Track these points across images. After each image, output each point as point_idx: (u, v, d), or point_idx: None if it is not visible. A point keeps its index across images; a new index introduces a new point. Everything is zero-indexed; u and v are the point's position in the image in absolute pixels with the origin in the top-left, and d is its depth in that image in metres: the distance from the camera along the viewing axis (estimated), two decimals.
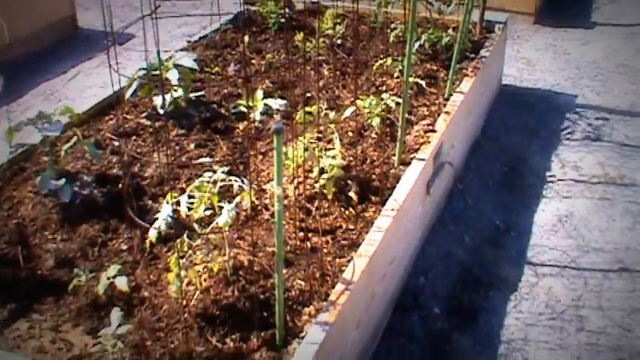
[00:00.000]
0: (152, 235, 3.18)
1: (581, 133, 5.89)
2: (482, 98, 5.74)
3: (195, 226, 3.20)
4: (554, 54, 7.28)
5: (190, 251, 3.19)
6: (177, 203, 3.17)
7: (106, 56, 4.73)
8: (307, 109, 4.15)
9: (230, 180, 3.19)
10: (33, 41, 7.26)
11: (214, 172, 3.24)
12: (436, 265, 4.46)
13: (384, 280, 3.82)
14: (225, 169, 3.34)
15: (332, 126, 4.22)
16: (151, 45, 4.02)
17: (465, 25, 5.06)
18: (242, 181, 3.20)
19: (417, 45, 5.46)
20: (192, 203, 3.18)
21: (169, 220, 3.13)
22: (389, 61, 5.26)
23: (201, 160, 4.24)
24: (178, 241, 3.17)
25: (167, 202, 3.21)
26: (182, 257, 3.16)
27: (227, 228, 3.15)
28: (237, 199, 3.22)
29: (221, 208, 3.14)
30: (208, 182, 3.14)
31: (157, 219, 3.18)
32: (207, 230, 3.17)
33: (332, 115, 4.33)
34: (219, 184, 3.17)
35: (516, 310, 4.15)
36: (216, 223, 3.11)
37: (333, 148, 4.09)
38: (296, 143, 4.00)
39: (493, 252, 4.62)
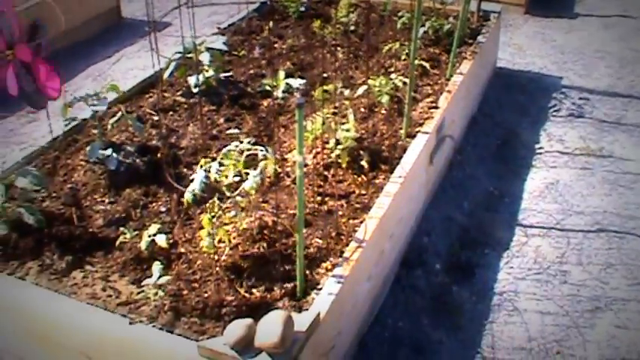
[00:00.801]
0: (188, 197, 3.14)
1: (566, 111, 5.79)
2: (479, 79, 5.65)
3: (225, 189, 3.13)
4: (542, 41, 7.16)
5: (220, 212, 3.14)
6: (209, 170, 3.12)
7: (146, 41, 4.75)
8: (324, 87, 4.09)
9: (255, 149, 3.13)
10: (83, 30, 7.20)
11: (241, 142, 3.18)
12: (438, 226, 4.40)
13: (392, 238, 3.77)
14: (252, 139, 3.28)
15: (346, 102, 4.15)
16: (185, 31, 4.02)
17: (464, 14, 4.97)
18: (266, 150, 3.14)
19: (421, 31, 5.36)
20: (222, 170, 3.13)
21: (203, 184, 3.09)
22: (396, 45, 5.18)
23: (229, 131, 4.18)
24: (210, 202, 3.13)
25: (200, 168, 3.16)
26: (213, 217, 3.11)
27: (253, 192, 3.10)
28: (262, 165, 3.16)
29: (247, 174, 3.09)
30: (235, 151, 3.09)
31: (192, 183, 3.14)
32: (235, 194, 3.11)
33: (346, 92, 4.26)
34: (246, 153, 3.11)
35: (508, 267, 4.10)
36: (243, 188, 3.06)
37: (348, 122, 4.02)
38: (314, 118, 3.95)
39: (488, 215, 4.56)
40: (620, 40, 7.24)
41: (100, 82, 6.29)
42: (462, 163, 5.00)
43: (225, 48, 4.75)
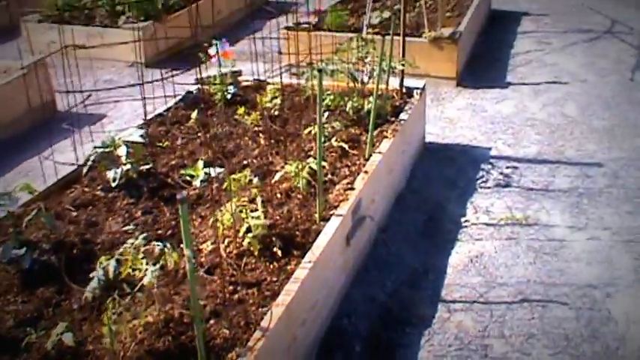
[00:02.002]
0: (87, 295, 3.21)
1: (494, 181, 5.97)
2: (404, 156, 5.81)
3: (125, 285, 3.22)
4: (472, 112, 7.38)
5: (121, 308, 3.21)
6: (108, 267, 3.21)
7: (79, 136, 4.88)
8: (233, 176, 4.22)
9: (152, 245, 3.23)
10: (17, 124, 7.31)
11: (136, 239, 3.28)
12: (359, 307, 4.49)
13: (304, 324, 3.85)
14: (150, 235, 3.38)
15: (255, 190, 4.27)
16: (120, 124, 4.13)
17: (376, 92, 5.13)
18: (164, 245, 3.24)
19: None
20: (121, 267, 3.22)
21: (100, 281, 3.17)
22: (316, 128, 5.33)
23: (125, 227, 4.28)
24: (109, 300, 3.20)
25: (100, 266, 3.25)
26: (114, 314, 3.18)
27: (154, 285, 3.18)
28: (170, 259, 3.25)
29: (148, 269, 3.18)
30: (130, 248, 3.18)
31: (91, 282, 3.22)
32: (136, 290, 3.19)
33: (255, 180, 4.39)
34: (143, 248, 3.21)
35: (429, 344, 4.19)
36: (142, 283, 3.15)
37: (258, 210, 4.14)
38: (226, 206, 4.07)
39: (411, 293, 4.66)
40: (550, 105, 7.50)
41: (33, 178, 6.36)
42: (386, 242, 5.11)
43: (141, 140, 4.88)
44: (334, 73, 5.93)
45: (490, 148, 6.55)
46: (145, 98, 5.00)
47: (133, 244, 3.20)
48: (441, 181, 6.01)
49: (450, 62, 7.93)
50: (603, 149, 6.53)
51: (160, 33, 9.49)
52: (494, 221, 5.41)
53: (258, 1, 12.22)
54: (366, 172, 4.84)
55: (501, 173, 6.10)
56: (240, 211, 4.07)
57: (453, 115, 7.33)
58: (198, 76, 6.65)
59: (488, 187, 5.88)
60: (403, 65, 6.00)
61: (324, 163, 4.81)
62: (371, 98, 5.71)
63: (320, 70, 3.91)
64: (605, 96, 7.80)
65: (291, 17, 8.30)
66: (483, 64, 8.81)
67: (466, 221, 5.43)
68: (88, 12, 10.08)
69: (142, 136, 4.94)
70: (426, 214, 5.54)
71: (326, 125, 5.32)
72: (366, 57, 5.87)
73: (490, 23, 10.73)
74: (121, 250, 3.26)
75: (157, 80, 5.88)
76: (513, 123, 7.11)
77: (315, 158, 4.74)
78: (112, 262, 3.19)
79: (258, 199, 4.18)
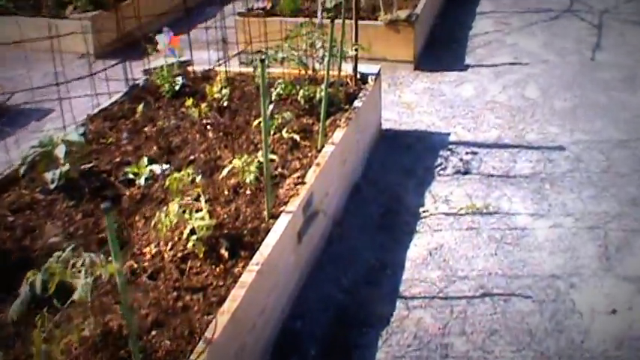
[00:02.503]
0: (11, 314, 3.00)
1: (452, 169, 5.81)
2: (359, 145, 5.63)
3: (55, 301, 3.01)
4: (431, 96, 7.22)
5: (51, 325, 3.00)
6: (35, 283, 3.00)
7: (27, 132, 4.64)
8: (176, 175, 4.01)
9: (79, 256, 3.01)
10: None
11: (63, 250, 3.07)
12: (314, 307, 4.31)
13: (254, 330, 3.66)
14: (76, 244, 3.17)
15: (198, 189, 4.06)
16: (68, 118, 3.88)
17: (327, 80, 4.92)
18: (93, 256, 3.02)
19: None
20: (49, 282, 3.00)
21: (26, 298, 2.96)
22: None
23: (51, 240, 4.04)
24: (38, 317, 2.99)
25: (26, 282, 3.03)
26: (44, 332, 2.97)
27: (87, 299, 2.98)
28: (102, 272, 3.05)
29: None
30: (56, 262, 2.97)
31: (16, 299, 3.01)
32: (66, 305, 2.98)
33: (198, 179, 4.17)
34: (72, 261, 3.00)
35: (387, 345, 4.01)
36: (73, 298, 2.94)
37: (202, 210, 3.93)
38: (168, 207, 3.86)
39: (369, 290, 4.49)
40: (511, 87, 7.36)
41: None
42: (341, 236, 4.94)
43: (80, 139, 4.64)
44: (285, 60, 5.73)
45: (449, 134, 6.39)
46: (97, 94, 4.77)
47: (59, 257, 2.97)
48: (399, 170, 5.83)
49: (406, 45, 7.74)
50: (565, 132, 6.40)
51: (111, 22, 9.20)
52: (453, 211, 5.25)
53: None
54: (318, 164, 4.65)
55: (461, 160, 5.94)
56: (184, 212, 3.86)
57: (410, 100, 7.16)
58: (146, 68, 6.43)
59: (447, 175, 5.72)
60: (356, 50, 5.79)
61: (273, 156, 4.62)
62: (323, 86, 5.52)
63: (263, 60, 3.68)
64: (567, 76, 7.68)
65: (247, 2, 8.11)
66: (442, 47, 8.65)
67: (425, 211, 5.26)
68: (34, 2, 9.75)
69: (82, 134, 4.71)
70: (383, 205, 5.37)
71: (276, 116, 5.12)
72: (317, 43, 5.65)
73: (448, 4, 10.56)
74: (47, 264, 3.03)
75: (97, 72, 5.67)
76: (473, 107, 6.95)
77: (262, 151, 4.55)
78: (39, 277, 2.96)
79: (202, 198, 3.96)
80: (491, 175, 5.69)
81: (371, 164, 5.87)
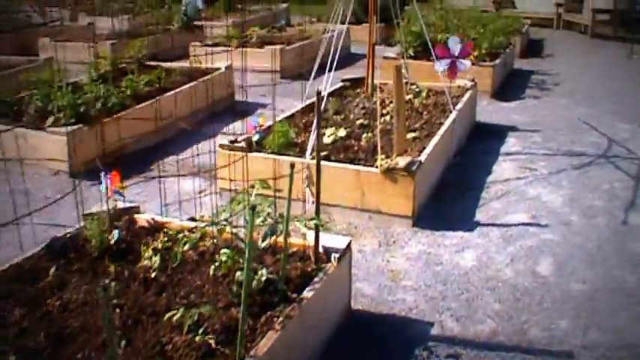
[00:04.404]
0: None
1: None
2: (304, 348, 4.44)
3: None
4: (425, 265, 6.02)
5: None
6: None
7: None
8: None
9: None
10: None
11: None
12: None
13: None
14: None
15: None
16: None
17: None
18: None
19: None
20: None
21: None
22: (180, 312, 3.99)
23: None
24: None
25: None
26: None
27: None
28: None
29: None
30: None
31: None
32: None
33: None
34: None
35: None
36: None
37: None
38: None
39: None
40: (521, 259, 6.14)
41: None
42: None
43: None
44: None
45: (433, 324, 5.16)
46: None
47: None
48: None
49: (405, 198, 6.59)
50: (577, 329, 5.13)
51: (91, 139, 8.30)
52: None
53: (222, 102, 11.10)
54: None
55: None
56: None
57: (399, 268, 5.97)
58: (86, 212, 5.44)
59: None
60: (317, 226, 4.66)
61: None
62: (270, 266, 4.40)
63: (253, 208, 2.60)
64: (590, 246, 6.44)
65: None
66: (451, 196, 7.49)
67: None
68: (17, 108, 8.95)
69: None
70: None
71: (193, 310, 3.98)
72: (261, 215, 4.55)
73: (471, 139, 9.49)
74: None
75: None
76: (470, 284, 5.73)
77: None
78: None
79: None
80: None
81: None
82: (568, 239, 6.55)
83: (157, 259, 4.64)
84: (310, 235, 4.80)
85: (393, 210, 6.63)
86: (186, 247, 4.67)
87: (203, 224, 4.94)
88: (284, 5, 21.73)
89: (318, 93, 4.59)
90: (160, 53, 14.04)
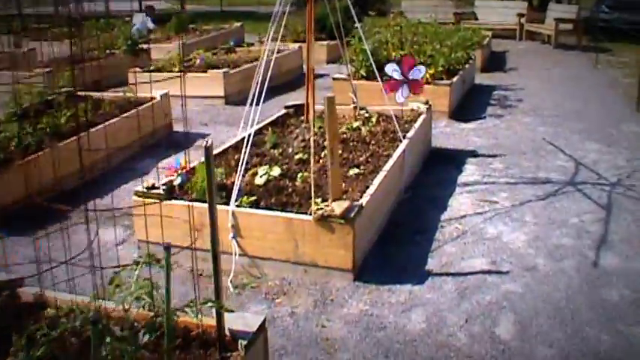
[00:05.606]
0: None
1: None
2: None
3: None
4: (364, 330, 5.10)
5: None
6: None
7: None
8: None
9: None
10: None
11: None
12: None
13: None
14: None
15: None
16: None
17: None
18: None
19: None
20: None
21: None
22: None
23: None
24: None
25: None
26: None
27: None
28: None
29: None
30: None
31: None
32: None
33: None
34: None
35: None
36: None
37: None
38: None
39: None
40: (477, 319, 5.25)
41: None
42: None
43: None
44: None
45: None
46: None
47: None
48: None
49: (343, 249, 5.67)
50: None
51: (13, 183, 7.35)
52: None
53: (158, 134, 10.16)
54: None
55: None
56: None
57: (335, 336, 5.05)
58: None
59: None
60: (219, 310, 3.72)
61: None
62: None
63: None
64: (557, 298, 5.57)
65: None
66: (400, 239, 6.58)
67: None
68: None
69: None
70: None
71: None
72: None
73: (426, 168, 8.61)
74: None
75: None
76: (418, 355, 4.82)
77: None
78: None
79: None
80: None
81: None
82: (532, 290, 5.67)
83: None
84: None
85: (331, 262, 5.71)
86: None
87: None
88: (238, 24, 20.79)
89: (207, 148, 3.65)
90: (103, 79, 13.05)
